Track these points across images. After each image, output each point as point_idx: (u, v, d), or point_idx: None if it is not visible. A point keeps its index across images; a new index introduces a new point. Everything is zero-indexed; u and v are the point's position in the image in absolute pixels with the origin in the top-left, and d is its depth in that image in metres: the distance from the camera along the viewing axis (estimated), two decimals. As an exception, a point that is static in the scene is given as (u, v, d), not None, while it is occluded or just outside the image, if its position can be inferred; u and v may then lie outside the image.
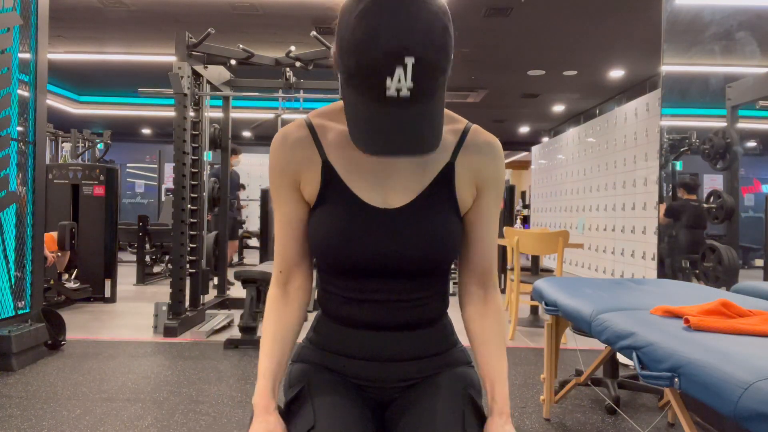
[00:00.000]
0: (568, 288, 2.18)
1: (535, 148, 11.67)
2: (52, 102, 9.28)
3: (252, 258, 9.08)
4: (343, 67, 0.76)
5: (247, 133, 12.39)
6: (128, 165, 13.05)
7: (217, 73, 4.89)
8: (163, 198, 10.24)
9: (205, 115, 4.74)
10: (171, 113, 4.36)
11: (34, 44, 3.37)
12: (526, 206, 12.81)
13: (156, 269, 7.26)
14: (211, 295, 5.19)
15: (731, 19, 3.85)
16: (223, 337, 3.92)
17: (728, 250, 3.82)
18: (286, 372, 1.01)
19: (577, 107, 9.80)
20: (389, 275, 0.91)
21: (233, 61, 4.57)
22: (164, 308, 4.08)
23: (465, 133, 0.94)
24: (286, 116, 5.61)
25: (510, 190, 6.61)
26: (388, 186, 0.91)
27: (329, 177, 0.91)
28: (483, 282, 0.99)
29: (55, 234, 4.74)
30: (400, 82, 0.71)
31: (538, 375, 3.17)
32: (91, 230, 5.26)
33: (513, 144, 13.51)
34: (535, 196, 11.42)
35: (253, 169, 11.95)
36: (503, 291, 5.15)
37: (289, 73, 4.93)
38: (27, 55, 3.34)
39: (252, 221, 10.10)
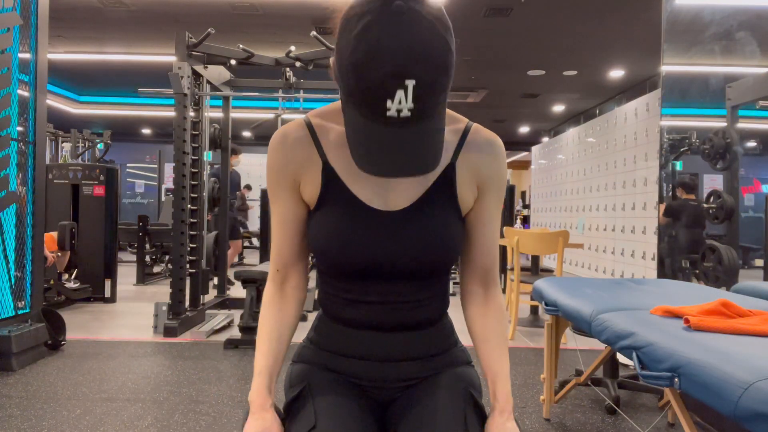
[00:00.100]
0: (568, 288, 2.18)
1: (535, 148, 11.67)
2: (52, 102, 9.28)
3: (252, 258, 9.08)
4: (342, 84, 0.75)
5: (247, 133, 12.39)
6: (128, 165, 13.06)
7: (217, 73, 4.89)
8: (163, 198, 10.24)
9: (205, 115, 4.74)
10: (171, 113, 4.36)
11: (34, 44, 3.37)
12: (526, 206, 12.82)
13: (156, 269, 7.26)
14: (211, 295, 5.19)
15: (731, 19, 3.85)
16: (223, 337, 3.92)
17: (728, 250, 3.82)
18: (287, 372, 1.01)
19: (577, 107, 9.80)
20: (390, 277, 0.91)
21: (233, 61, 4.57)
22: (164, 308, 4.08)
23: (466, 132, 0.93)
24: (286, 116, 5.61)
25: (510, 190, 6.61)
26: (389, 188, 0.90)
27: (330, 179, 0.91)
28: (485, 281, 0.99)
29: (55, 234, 4.74)
30: (401, 104, 0.70)
31: (538, 375, 3.17)
32: (91, 230, 5.26)
33: (513, 144, 13.51)
34: (535, 196, 11.42)
35: (253, 169, 11.95)
36: (503, 291, 5.15)
37: (289, 73, 4.93)
38: (27, 55, 3.34)
39: (252, 221, 10.11)
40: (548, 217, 10.37)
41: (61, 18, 5.76)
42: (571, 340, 3.93)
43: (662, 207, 4.21)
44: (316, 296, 4.79)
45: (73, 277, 5.11)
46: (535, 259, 4.59)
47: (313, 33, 4.37)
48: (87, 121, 11.05)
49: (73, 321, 4.30)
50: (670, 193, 4.37)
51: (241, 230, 8.06)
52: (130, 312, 4.87)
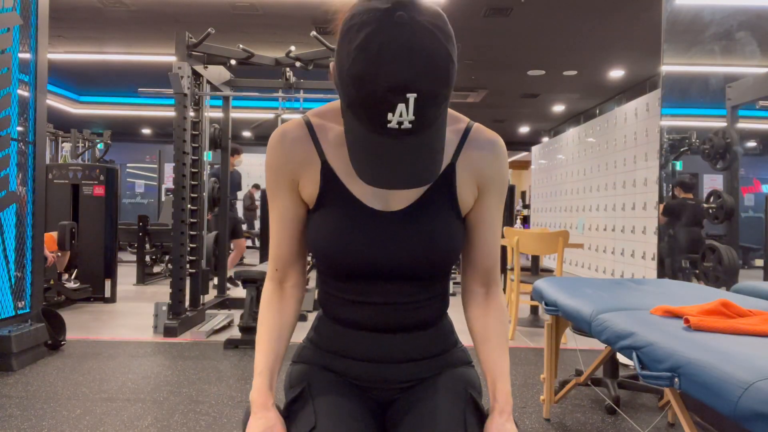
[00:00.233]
0: (568, 288, 2.18)
1: (535, 148, 11.67)
2: (52, 102, 9.28)
3: (252, 258, 9.08)
4: (342, 93, 0.74)
5: (247, 133, 12.39)
6: (128, 165, 13.06)
7: (217, 73, 4.89)
8: (163, 198, 10.24)
9: (205, 115, 4.74)
10: (171, 113, 4.36)
11: (34, 44, 3.37)
12: (526, 206, 12.81)
13: (156, 269, 7.26)
14: (211, 295, 5.19)
15: (731, 19, 3.85)
16: (223, 337, 3.92)
17: (728, 250, 3.82)
18: (287, 372, 1.01)
19: (577, 107, 9.80)
20: (389, 278, 0.91)
21: (233, 61, 4.57)
22: (164, 308, 4.08)
23: (467, 132, 0.93)
24: (286, 116, 5.61)
25: (510, 190, 6.61)
26: None
27: (329, 179, 0.90)
28: (486, 281, 0.99)
29: (55, 234, 4.74)
30: (401, 116, 0.69)
31: (538, 375, 3.17)
32: (91, 230, 5.26)
33: (513, 144, 13.51)
34: (535, 196, 11.42)
35: (253, 169, 11.95)
36: (503, 291, 5.15)
37: (289, 73, 4.93)
38: (27, 55, 3.34)
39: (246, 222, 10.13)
40: (548, 217, 10.37)
41: (61, 18, 5.76)
42: (571, 340, 3.93)
43: (662, 207, 4.21)
44: (316, 296, 4.79)
45: (73, 277, 5.11)
46: (535, 259, 4.59)
47: (313, 33, 4.37)
48: (87, 121, 11.05)
49: (73, 321, 4.30)
50: (670, 193, 4.37)
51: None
52: (130, 312, 4.87)
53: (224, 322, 4.32)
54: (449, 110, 0.87)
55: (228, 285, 5.48)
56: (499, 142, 0.94)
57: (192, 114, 4.37)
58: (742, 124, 4.05)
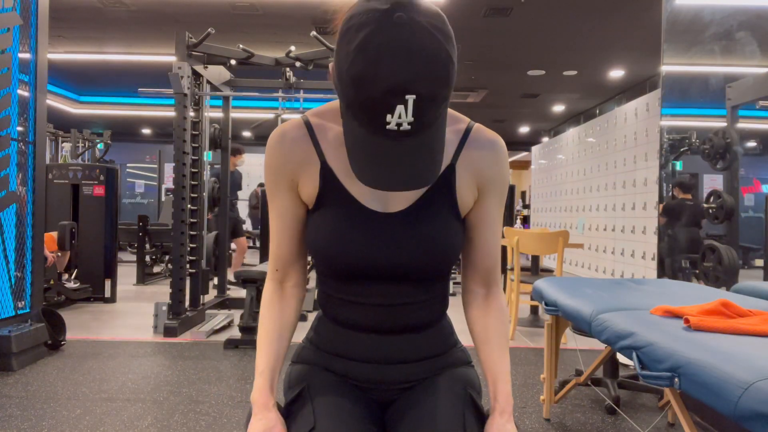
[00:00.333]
0: (568, 288, 2.18)
1: (535, 148, 11.67)
2: (52, 102, 9.28)
3: (252, 258, 9.08)
4: (341, 94, 0.74)
5: (247, 133, 12.39)
6: (128, 165, 13.05)
7: (217, 73, 4.89)
8: (163, 198, 10.24)
9: (205, 115, 4.74)
10: (171, 113, 4.36)
11: (34, 44, 3.37)
12: (526, 206, 12.81)
13: (156, 269, 7.26)
14: (211, 295, 5.19)
15: (731, 19, 3.85)
16: (223, 337, 3.92)
17: (728, 250, 3.82)
18: (286, 372, 1.01)
19: (577, 107, 9.80)
20: (388, 279, 0.91)
21: (233, 61, 4.57)
22: (164, 308, 4.08)
23: (467, 132, 0.92)
24: (286, 116, 5.61)
25: (510, 190, 6.61)
26: None
27: (328, 179, 0.90)
28: (486, 281, 0.99)
29: (55, 234, 4.74)
30: (400, 118, 0.69)
31: (538, 375, 3.17)
32: (91, 230, 5.26)
33: (513, 144, 13.51)
34: (535, 196, 11.42)
35: (253, 169, 11.93)
36: (503, 291, 5.15)
37: (289, 73, 4.93)
38: (27, 55, 3.34)
39: (249, 221, 10.12)
40: (548, 217, 10.37)
41: (61, 18, 5.76)
42: (571, 340, 3.93)
43: (661, 207, 4.21)
44: (315, 296, 4.79)
45: (73, 277, 5.11)
46: (535, 259, 4.59)
47: (313, 33, 4.37)
48: (87, 121, 11.05)
49: (73, 321, 4.30)
50: (671, 194, 4.37)
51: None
52: (130, 312, 4.87)
53: (224, 322, 4.32)
54: (449, 110, 0.86)
55: (228, 286, 5.47)
56: (499, 143, 0.94)
57: (192, 114, 4.37)
58: (742, 124, 4.05)
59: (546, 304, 2.20)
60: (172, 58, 4.27)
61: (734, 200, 3.99)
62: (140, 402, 2.64)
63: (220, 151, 5.34)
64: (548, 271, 4.77)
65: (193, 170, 4.34)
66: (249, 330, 3.69)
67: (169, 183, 10.86)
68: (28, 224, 3.40)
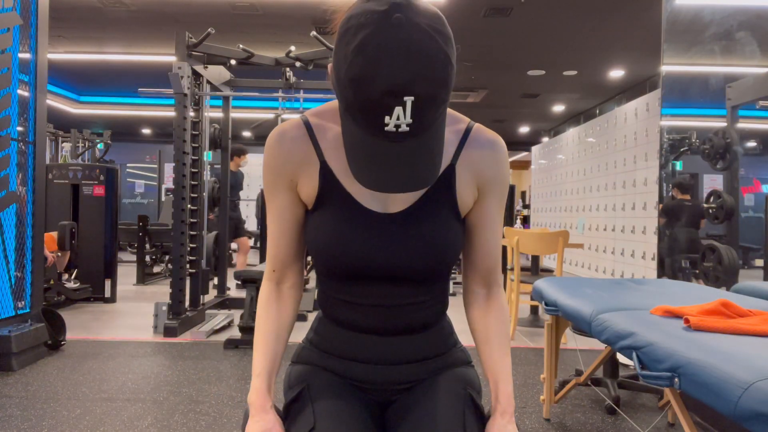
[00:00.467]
0: (568, 288, 2.18)
1: (535, 148, 11.67)
2: (52, 102, 9.28)
3: (252, 258, 9.07)
4: (340, 96, 0.74)
5: (247, 133, 12.39)
6: (128, 165, 13.05)
7: (217, 73, 4.89)
8: (163, 198, 10.24)
9: (205, 115, 4.74)
10: (171, 113, 4.36)
11: (34, 44, 3.37)
12: (526, 206, 12.81)
13: (156, 269, 7.26)
14: (211, 295, 5.19)
15: (731, 19, 3.85)
16: (223, 337, 3.92)
17: (728, 250, 3.82)
18: (286, 372, 1.00)
19: (577, 107, 9.80)
20: (388, 280, 0.90)
21: (233, 61, 4.57)
22: (164, 308, 4.08)
23: (467, 132, 0.92)
24: (286, 116, 5.61)
25: (510, 190, 6.60)
26: None
27: (327, 180, 0.90)
28: (487, 281, 0.99)
29: (55, 234, 4.74)
30: (399, 120, 0.69)
31: (538, 375, 3.17)
32: (91, 230, 5.25)
33: (513, 144, 13.51)
34: (535, 196, 11.42)
35: (253, 169, 11.88)
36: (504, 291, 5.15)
37: (289, 73, 4.93)
38: (27, 55, 3.34)
39: (251, 221, 10.11)
40: (548, 217, 10.37)
41: (61, 18, 5.76)
42: (571, 340, 3.93)
43: (660, 207, 4.21)
44: (316, 296, 4.79)
45: (73, 277, 5.11)
46: (535, 259, 4.59)
47: (313, 33, 4.37)
48: (87, 121, 11.05)
49: (73, 321, 4.30)
50: (670, 194, 4.37)
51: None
52: (130, 312, 4.87)
53: (224, 322, 4.32)
54: (449, 110, 0.86)
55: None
56: (499, 143, 0.94)
57: (192, 114, 4.37)
58: (742, 124, 4.05)
59: (546, 304, 2.20)
60: (172, 58, 4.27)
61: (734, 200, 3.99)
62: (140, 402, 2.64)
63: (220, 151, 5.34)
64: (548, 271, 4.77)
65: (193, 170, 4.34)
66: (249, 330, 3.69)
67: (169, 183, 10.86)
68: (28, 224, 3.40)
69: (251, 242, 9.67)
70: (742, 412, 1.05)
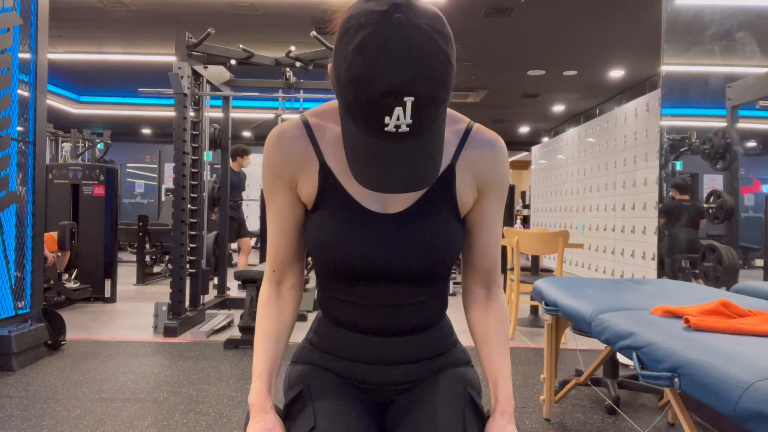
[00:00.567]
0: (568, 288, 2.18)
1: (535, 148, 11.67)
2: (52, 102, 9.28)
3: (252, 258, 9.07)
4: (339, 96, 0.73)
5: (247, 133, 12.39)
6: (128, 165, 13.05)
7: (217, 73, 4.89)
8: (163, 198, 10.24)
9: (205, 115, 4.74)
10: (171, 113, 4.36)
11: (34, 44, 3.37)
12: (526, 206, 12.81)
13: (156, 269, 7.26)
14: (211, 295, 5.19)
15: (731, 19, 3.85)
16: (223, 337, 3.92)
17: (728, 250, 3.82)
18: (286, 373, 1.00)
19: (577, 107, 9.80)
20: (388, 280, 0.90)
21: (233, 61, 4.57)
22: (164, 308, 4.08)
23: (467, 132, 0.92)
24: (286, 116, 5.61)
25: (510, 190, 6.61)
26: None
27: (327, 180, 0.90)
28: (486, 282, 0.99)
29: (55, 234, 4.74)
30: (399, 120, 0.69)
31: (538, 375, 3.17)
32: (91, 230, 5.26)
33: (513, 144, 13.51)
34: (535, 196, 11.42)
35: (253, 169, 11.89)
36: (504, 291, 5.15)
37: (289, 73, 4.93)
38: (27, 55, 3.34)
39: (252, 221, 10.10)
40: (548, 217, 10.37)
41: (61, 18, 5.76)
42: (571, 340, 3.93)
43: (659, 207, 4.22)
44: (316, 296, 4.79)
45: (73, 277, 5.11)
46: (535, 259, 4.59)
47: (313, 33, 4.37)
48: (87, 121, 11.05)
49: (73, 321, 4.30)
50: (669, 194, 4.37)
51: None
52: (130, 312, 4.87)
53: (224, 322, 4.32)
54: (449, 110, 0.86)
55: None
56: (499, 143, 0.94)
57: (192, 114, 4.37)
58: (742, 124, 4.05)
59: (546, 304, 2.20)
60: (172, 58, 4.27)
61: (734, 200, 3.99)
62: (140, 402, 2.64)
63: (220, 151, 5.34)
64: (548, 271, 4.77)
65: (193, 170, 4.34)
66: (249, 330, 3.69)
67: (169, 183, 10.86)
68: (28, 224, 3.40)
69: (252, 242, 9.69)
70: (742, 412, 1.05)
